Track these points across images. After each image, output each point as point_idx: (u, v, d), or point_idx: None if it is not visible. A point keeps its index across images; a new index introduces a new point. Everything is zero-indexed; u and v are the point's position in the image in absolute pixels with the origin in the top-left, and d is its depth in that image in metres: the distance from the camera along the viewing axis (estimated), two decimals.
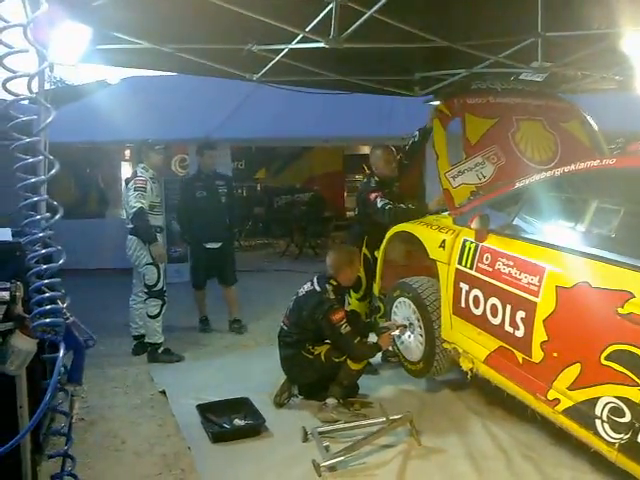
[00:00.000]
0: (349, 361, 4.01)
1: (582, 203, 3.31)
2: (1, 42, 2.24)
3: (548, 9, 4.16)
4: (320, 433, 3.56)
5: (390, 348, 4.50)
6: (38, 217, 2.56)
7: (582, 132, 4.98)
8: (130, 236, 5.20)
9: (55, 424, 3.21)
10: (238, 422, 3.85)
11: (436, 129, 4.59)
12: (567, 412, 2.98)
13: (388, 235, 4.64)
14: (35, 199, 2.54)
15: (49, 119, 2.49)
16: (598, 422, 2.78)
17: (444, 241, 4.04)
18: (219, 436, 3.68)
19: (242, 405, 4.01)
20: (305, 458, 3.33)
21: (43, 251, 2.51)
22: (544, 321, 3.10)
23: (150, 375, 4.84)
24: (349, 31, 4.07)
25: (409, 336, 4.35)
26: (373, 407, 3.99)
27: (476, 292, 3.70)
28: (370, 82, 5.98)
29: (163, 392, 4.45)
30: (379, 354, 4.44)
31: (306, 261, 10.25)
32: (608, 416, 2.73)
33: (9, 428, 2.35)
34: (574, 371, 2.91)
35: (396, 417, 3.58)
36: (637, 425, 2.60)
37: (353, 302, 4.82)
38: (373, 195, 4.65)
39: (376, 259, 4.79)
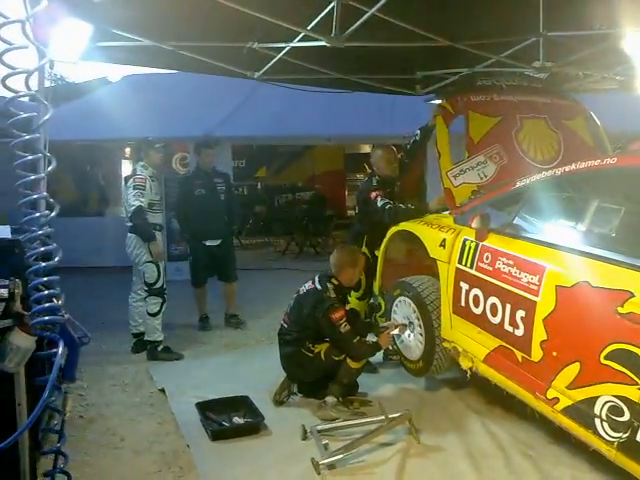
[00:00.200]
0: (348, 360, 4.01)
1: (582, 202, 3.30)
2: (0, 38, 2.24)
3: (550, 9, 4.15)
4: (319, 431, 3.56)
5: (390, 347, 4.50)
6: (37, 214, 2.56)
7: (585, 130, 4.96)
8: (130, 234, 5.21)
9: (53, 421, 3.21)
10: (237, 420, 3.85)
11: (439, 127, 4.56)
12: (566, 411, 2.98)
13: (389, 234, 4.64)
14: (35, 196, 2.54)
15: (46, 116, 2.49)
16: (597, 421, 2.78)
17: (444, 240, 4.04)
18: (218, 434, 3.67)
19: (241, 403, 4.01)
20: (304, 456, 3.33)
21: (42, 249, 2.51)
22: (544, 320, 3.10)
23: (149, 373, 4.84)
24: (350, 30, 4.07)
25: (409, 335, 4.35)
26: (372, 405, 3.99)
27: (476, 291, 3.70)
28: (371, 81, 5.98)
29: (162, 390, 4.45)
30: (379, 353, 4.44)
31: (307, 260, 10.25)
32: (607, 415, 2.73)
33: (7, 425, 2.36)
34: (573, 370, 2.91)
35: (395, 415, 3.58)
36: (636, 424, 2.59)
37: (352, 301, 4.82)
38: (374, 194, 4.65)
39: (376, 258, 4.78)
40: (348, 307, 4.57)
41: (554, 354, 3.06)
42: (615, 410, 2.69)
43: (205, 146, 6.17)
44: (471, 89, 4.79)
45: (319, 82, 5.93)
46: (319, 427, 3.62)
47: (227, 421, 3.84)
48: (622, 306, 2.66)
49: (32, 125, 2.50)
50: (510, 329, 3.37)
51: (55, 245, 2.52)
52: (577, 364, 2.89)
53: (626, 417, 2.64)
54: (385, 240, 4.67)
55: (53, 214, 2.54)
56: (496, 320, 3.51)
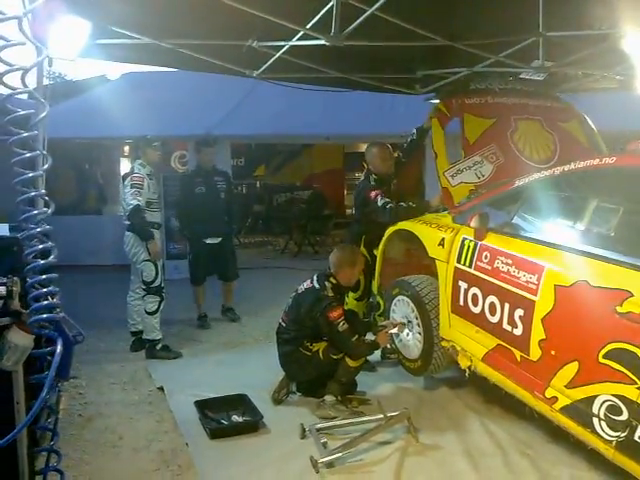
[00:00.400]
0: (347, 358, 4.01)
1: (581, 202, 3.30)
2: None
3: (549, 9, 4.15)
4: (318, 430, 3.57)
5: (388, 345, 4.50)
6: (35, 212, 2.55)
7: (581, 132, 4.98)
8: (127, 233, 5.20)
9: (47, 420, 3.21)
10: (236, 418, 3.85)
11: (435, 129, 4.61)
12: (565, 410, 2.98)
13: (387, 233, 4.64)
14: (32, 194, 2.53)
15: (43, 114, 2.48)
16: (595, 420, 2.78)
17: (443, 239, 4.04)
18: (217, 432, 3.67)
19: (240, 401, 4.01)
20: (303, 455, 3.33)
21: (40, 246, 2.51)
22: (542, 319, 3.10)
23: (148, 371, 4.84)
24: (350, 28, 4.06)
25: (407, 334, 4.35)
26: (371, 404, 3.99)
27: (475, 290, 3.70)
28: (371, 80, 5.96)
29: (161, 388, 4.45)
30: (378, 351, 4.44)
31: (305, 259, 10.24)
32: (605, 414, 2.73)
33: (6, 423, 2.35)
34: (572, 369, 2.91)
35: (394, 414, 3.58)
36: (634, 423, 2.60)
37: (351, 302, 4.81)
38: (373, 194, 4.64)
39: (375, 258, 4.78)
40: (346, 308, 4.56)
41: (553, 353, 3.06)
42: (613, 409, 2.69)
43: (205, 144, 6.21)
44: (465, 92, 4.84)
45: (318, 81, 5.91)
46: (318, 426, 3.62)
47: (226, 419, 3.84)
48: (621, 305, 2.66)
49: (30, 123, 2.50)
50: (509, 328, 3.37)
51: (51, 243, 2.52)
52: (576, 363, 2.90)
53: (624, 416, 2.64)
54: (384, 239, 4.67)
55: (49, 211, 2.54)
56: (495, 319, 3.51)
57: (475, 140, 4.57)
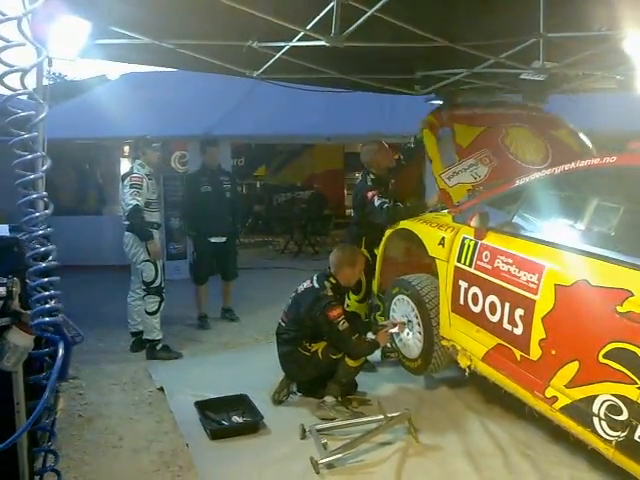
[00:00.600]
0: (347, 358, 4.00)
1: (582, 201, 3.30)
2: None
3: (550, 9, 4.14)
4: (318, 430, 3.56)
5: (388, 345, 4.49)
6: (36, 214, 2.55)
7: (571, 140, 5.06)
8: (127, 233, 5.20)
9: (45, 420, 3.21)
10: (236, 419, 3.85)
11: (427, 138, 4.69)
12: (565, 410, 2.98)
13: (388, 233, 4.64)
14: (34, 196, 2.53)
15: (42, 115, 2.48)
16: (595, 420, 2.78)
17: (443, 239, 4.04)
18: (217, 433, 3.67)
19: (240, 402, 4.01)
20: (303, 455, 3.33)
21: (42, 249, 2.51)
22: (542, 319, 3.10)
23: (148, 372, 4.83)
24: (350, 29, 4.06)
25: (407, 333, 4.35)
26: (371, 405, 3.99)
27: (475, 290, 3.70)
28: (371, 80, 5.96)
29: (161, 389, 4.45)
30: (378, 352, 4.43)
31: (305, 259, 10.25)
32: (605, 414, 2.73)
33: (6, 424, 2.35)
34: (572, 369, 2.91)
35: (394, 415, 3.58)
36: (634, 423, 2.59)
37: (352, 304, 4.81)
38: (370, 194, 4.64)
39: (376, 259, 4.77)
40: (348, 310, 4.56)
41: (553, 353, 3.06)
42: (613, 409, 2.69)
43: (210, 144, 6.26)
44: (453, 105, 4.95)
45: (319, 81, 5.91)
46: (318, 426, 3.62)
47: (226, 420, 3.84)
48: (621, 305, 2.66)
49: (29, 124, 2.50)
50: (509, 328, 3.37)
51: (53, 246, 2.52)
52: (576, 363, 2.89)
53: (624, 416, 2.64)
54: (384, 238, 4.67)
55: (48, 211, 2.54)
56: (495, 318, 3.51)
57: (468, 145, 4.64)
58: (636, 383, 2.57)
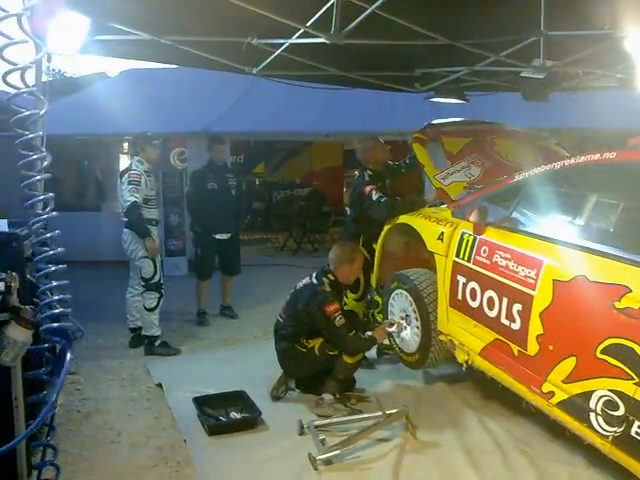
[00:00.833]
0: (344, 355, 4.00)
1: (581, 197, 3.30)
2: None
3: (551, 8, 4.14)
4: (316, 427, 3.56)
5: (385, 341, 4.49)
6: (45, 216, 2.57)
7: (559, 148, 5.05)
8: (125, 229, 5.20)
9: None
10: (234, 415, 3.85)
11: (417, 150, 4.76)
12: (561, 405, 2.98)
13: (387, 227, 4.64)
14: (41, 197, 2.55)
15: (42, 112, 2.49)
16: (592, 415, 2.78)
17: (442, 233, 4.04)
18: (215, 429, 3.68)
19: (238, 398, 4.00)
20: (301, 451, 3.33)
21: (51, 252, 2.53)
22: (540, 314, 3.10)
23: (147, 368, 4.84)
24: (350, 27, 4.06)
25: (405, 327, 4.34)
26: (369, 401, 3.99)
27: (473, 284, 3.70)
28: (371, 78, 5.98)
29: (159, 385, 4.45)
30: (373, 349, 4.43)
31: (304, 256, 10.25)
32: (602, 409, 2.73)
33: (3, 419, 2.36)
34: (569, 364, 2.91)
35: (392, 411, 3.58)
36: (631, 418, 2.60)
37: (350, 302, 4.80)
38: (368, 188, 4.64)
39: (373, 258, 4.77)
40: (346, 308, 4.56)
41: (550, 348, 3.06)
42: (610, 404, 2.69)
43: (217, 141, 6.27)
44: (438, 124, 5.01)
45: (318, 78, 5.92)
46: (316, 422, 3.62)
47: (224, 416, 3.84)
48: (619, 301, 2.65)
49: (28, 121, 2.51)
50: (507, 323, 3.37)
51: (61, 249, 2.55)
52: (573, 358, 2.89)
53: (621, 411, 2.64)
54: (383, 233, 4.67)
55: (55, 213, 2.57)
56: (493, 313, 3.51)
57: (457, 152, 4.72)
58: (633, 379, 2.58)
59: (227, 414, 3.85)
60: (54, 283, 2.50)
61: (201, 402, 3.94)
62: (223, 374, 4.58)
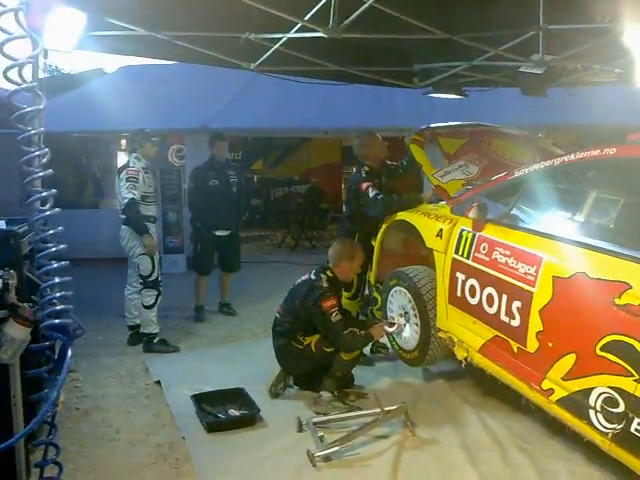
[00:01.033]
0: (341, 352, 3.98)
1: (580, 193, 3.29)
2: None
3: (550, 2, 4.13)
4: (315, 423, 3.56)
5: (381, 340, 4.48)
6: (47, 212, 2.56)
7: (555, 149, 5.06)
8: (123, 227, 5.19)
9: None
10: (233, 412, 3.85)
11: (414, 150, 4.79)
12: (561, 402, 2.98)
13: (385, 224, 4.63)
14: (44, 194, 2.54)
15: (39, 107, 2.48)
16: (592, 412, 2.78)
17: (441, 230, 4.03)
18: (214, 426, 3.67)
19: (237, 395, 4.00)
20: (300, 448, 3.33)
21: (53, 249, 2.52)
22: (540, 311, 3.10)
23: (145, 365, 4.83)
24: (348, 21, 4.05)
25: (404, 324, 4.33)
26: (368, 398, 3.98)
27: (472, 281, 3.69)
28: (369, 73, 5.96)
29: (158, 382, 4.44)
30: (368, 347, 4.42)
31: (303, 253, 10.25)
32: (602, 406, 2.73)
33: (2, 417, 2.35)
34: (569, 361, 2.91)
35: (391, 408, 3.58)
36: (630, 415, 2.59)
37: (344, 301, 4.77)
38: (365, 185, 4.62)
39: (371, 251, 4.76)
40: None
41: (550, 345, 3.06)
42: (610, 401, 2.69)
43: (219, 138, 6.27)
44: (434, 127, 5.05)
45: (316, 74, 5.90)
46: (315, 419, 3.62)
47: (223, 413, 3.83)
48: (619, 298, 2.65)
49: (26, 117, 2.50)
50: (506, 319, 3.37)
51: (63, 245, 2.54)
52: (573, 355, 2.89)
53: (621, 408, 2.64)
54: (382, 230, 4.66)
55: (57, 209, 2.55)
56: (492, 310, 3.50)
57: (455, 152, 4.76)
58: (633, 375, 2.57)
59: (226, 411, 3.85)
60: (56, 280, 2.49)
61: (200, 399, 3.94)
62: (222, 371, 4.58)
